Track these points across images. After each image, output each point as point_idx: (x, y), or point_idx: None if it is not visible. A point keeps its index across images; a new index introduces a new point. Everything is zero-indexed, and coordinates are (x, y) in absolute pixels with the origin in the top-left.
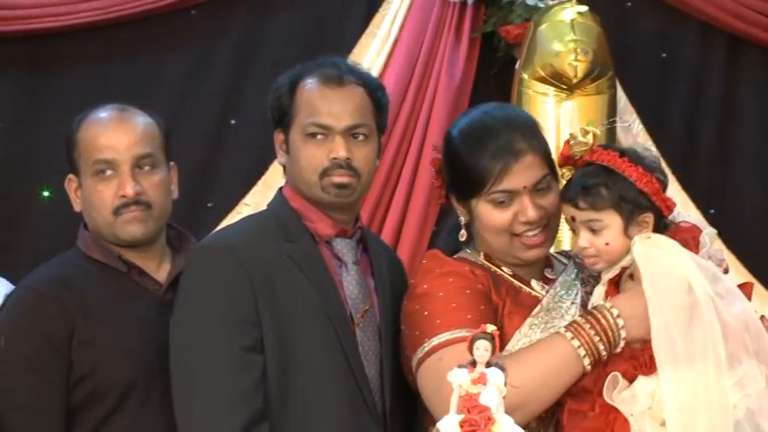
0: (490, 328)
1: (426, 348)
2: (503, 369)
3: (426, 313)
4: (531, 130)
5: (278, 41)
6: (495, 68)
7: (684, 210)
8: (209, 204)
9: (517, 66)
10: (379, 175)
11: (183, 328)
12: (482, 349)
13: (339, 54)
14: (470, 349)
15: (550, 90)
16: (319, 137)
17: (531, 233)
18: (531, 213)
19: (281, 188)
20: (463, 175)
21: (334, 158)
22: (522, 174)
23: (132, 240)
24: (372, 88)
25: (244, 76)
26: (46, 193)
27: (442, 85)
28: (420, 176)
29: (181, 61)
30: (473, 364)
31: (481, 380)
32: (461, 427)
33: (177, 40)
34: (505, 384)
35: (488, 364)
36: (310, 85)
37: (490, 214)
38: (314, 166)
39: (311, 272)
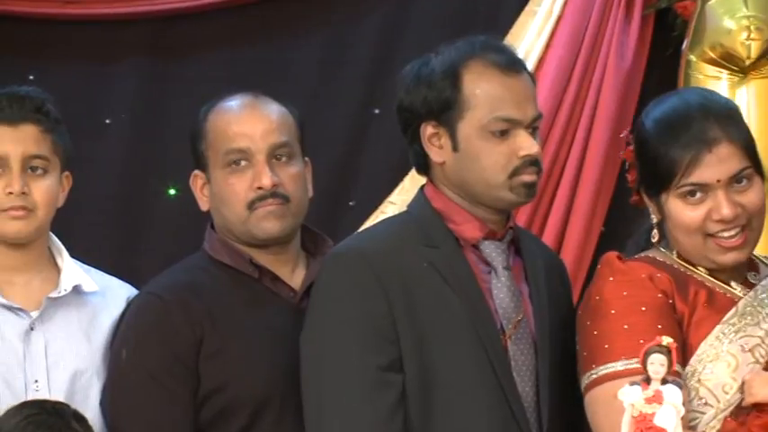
0: (666, 340)
1: (593, 377)
2: (680, 386)
3: (596, 333)
4: (730, 117)
5: (425, 22)
6: (671, 49)
7: None
8: (350, 203)
9: (684, 46)
10: None
11: (313, 345)
12: (657, 364)
13: (495, 35)
14: (643, 364)
15: (723, 73)
16: (504, 133)
17: (726, 234)
18: (726, 211)
19: (422, 187)
20: (651, 166)
21: (526, 156)
22: (716, 165)
23: (268, 238)
24: (532, 75)
25: (388, 60)
26: (172, 192)
27: (610, 69)
28: (586, 170)
29: (318, 45)
30: (647, 380)
31: (656, 398)
32: None
33: (314, 22)
34: (683, 403)
35: (664, 381)
36: (487, 74)
37: (681, 211)
38: (501, 165)
39: (455, 280)
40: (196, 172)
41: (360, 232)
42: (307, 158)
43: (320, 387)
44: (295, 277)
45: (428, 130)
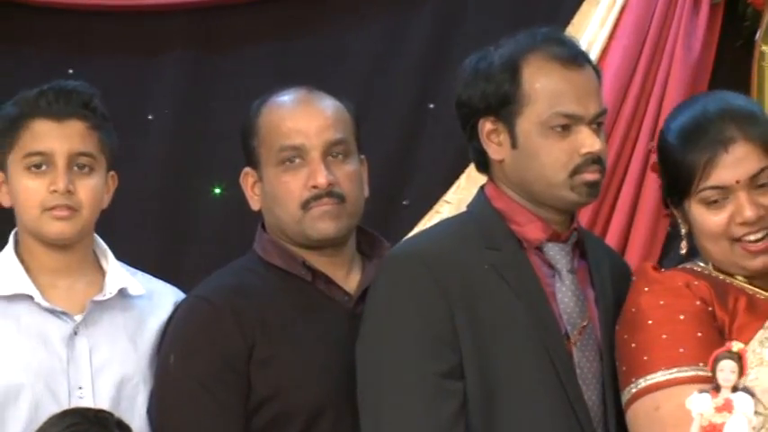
0: (736, 346)
1: (634, 390)
2: (752, 394)
3: (633, 345)
4: (748, 117)
5: (483, 12)
6: (741, 40)
7: None
8: (404, 202)
9: (757, 36)
10: None
11: (370, 352)
12: (727, 371)
13: (555, 25)
14: (713, 370)
15: None
16: (565, 129)
17: (753, 237)
18: (749, 213)
19: (482, 186)
20: (672, 173)
21: (588, 153)
22: (734, 166)
23: (323, 239)
24: (596, 68)
25: (443, 53)
26: (218, 191)
27: (677, 61)
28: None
29: (370, 37)
30: (716, 388)
31: (726, 407)
32: None
33: (366, 13)
34: (755, 413)
35: (734, 389)
36: (547, 68)
37: (703, 217)
38: (562, 162)
39: (518, 283)
40: (247, 169)
41: (417, 234)
42: (362, 156)
43: (377, 396)
44: (350, 281)
45: (486, 125)
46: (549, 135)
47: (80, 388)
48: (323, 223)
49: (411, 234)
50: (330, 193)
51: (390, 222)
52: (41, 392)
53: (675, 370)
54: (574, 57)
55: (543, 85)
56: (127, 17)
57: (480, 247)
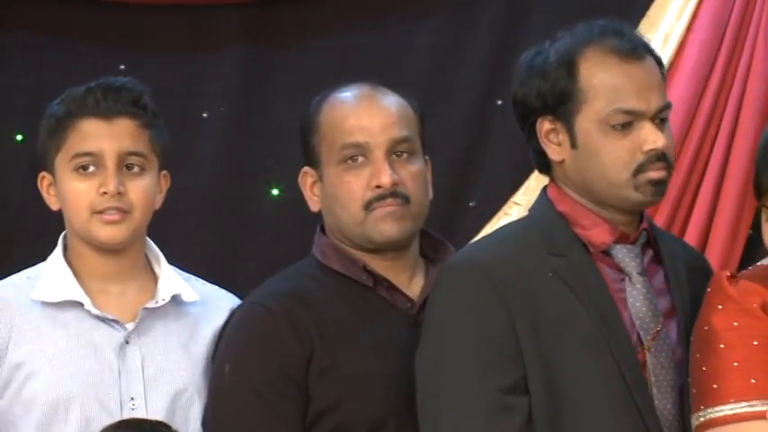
0: None
1: (701, 419)
2: None
3: (704, 369)
4: None
5: (553, 2)
6: None
7: None
8: (470, 204)
9: None
10: (679, 168)
11: (429, 366)
12: None
13: (630, 18)
14: None
15: None
16: (626, 126)
17: None
18: None
19: (544, 188)
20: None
21: (651, 150)
22: None
23: (386, 241)
24: (659, 59)
25: (511, 46)
26: (275, 192)
27: (758, 55)
28: (731, 167)
29: (434, 29)
30: None
31: None
32: None
33: (430, 4)
34: None
35: None
36: (605, 62)
37: (764, 227)
38: (624, 161)
39: (584, 291)
40: (306, 169)
41: (477, 241)
42: (427, 157)
43: (437, 411)
44: (413, 286)
45: (545, 125)
46: (609, 133)
47: (132, 399)
48: (386, 225)
49: (475, 239)
50: (394, 193)
51: (457, 224)
52: (92, 404)
53: (745, 404)
54: (633, 48)
55: (601, 80)
56: (181, 11)
57: (543, 253)
